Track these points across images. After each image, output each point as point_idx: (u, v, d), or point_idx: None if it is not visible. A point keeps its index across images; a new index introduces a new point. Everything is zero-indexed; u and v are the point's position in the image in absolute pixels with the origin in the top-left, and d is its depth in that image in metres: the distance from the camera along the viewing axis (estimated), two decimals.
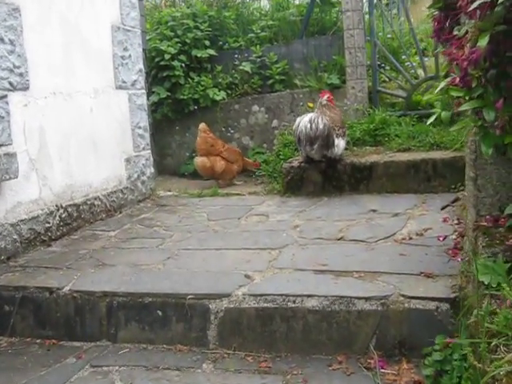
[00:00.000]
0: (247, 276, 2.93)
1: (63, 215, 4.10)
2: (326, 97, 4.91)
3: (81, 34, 4.39)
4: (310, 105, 5.65)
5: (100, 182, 4.59)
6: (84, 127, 4.40)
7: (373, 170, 4.65)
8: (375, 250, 3.23)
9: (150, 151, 5.36)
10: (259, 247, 3.47)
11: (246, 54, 6.67)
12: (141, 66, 5.24)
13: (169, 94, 6.59)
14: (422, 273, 2.73)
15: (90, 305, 2.93)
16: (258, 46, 6.58)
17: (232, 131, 6.64)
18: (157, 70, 6.69)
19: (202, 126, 5.91)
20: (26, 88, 3.76)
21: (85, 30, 4.44)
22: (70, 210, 4.18)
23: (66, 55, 4.21)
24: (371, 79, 5.93)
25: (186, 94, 6.55)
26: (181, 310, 2.76)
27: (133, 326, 2.85)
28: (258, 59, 6.56)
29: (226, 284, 2.84)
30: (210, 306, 2.71)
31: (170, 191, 5.60)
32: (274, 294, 2.65)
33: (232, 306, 2.68)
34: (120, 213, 4.81)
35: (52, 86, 4.04)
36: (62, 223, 4.08)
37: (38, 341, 2.99)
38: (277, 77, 6.47)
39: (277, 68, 6.47)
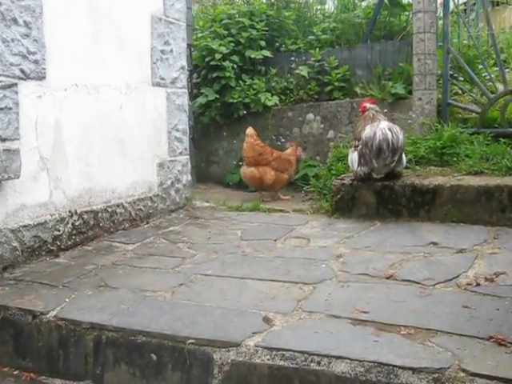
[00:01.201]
0: (266, 319, 2.36)
1: (77, 223, 3.64)
2: (372, 105, 4.28)
3: (114, 23, 3.94)
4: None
5: (125, 187, 4.12)
6: (111, 125, 3.94)
7: (436, 195, 3.98)
8: (432, 297, 2.59)
9: (188, 157, 4.87)
10: (290, 280, 2.89)
11: (304, 58, 6.11)
12: (183, 62, 4.75)
13: (218, 96, 6.11)
14: (491, 337, 2.08)
15: (76, 337, 2.43)
16: (317, 50, 6.01)
17: (283, 140, 6.08)
18: (207, 70, 6.24)
19: (250, 130, 5.36)
20: (41, 77, 3.33)
21: (119, 19, 3.99)
22: (85, 217, 3.71)
23: (95, 44, 3.76)
24: (441, 90, 5.25)
25: (236, 97, 6.05)
26: (179, 357, 2.21)
27: (122, 368, 2.33)
28: (317, 63, 5.99)
29: (237, 328, 2.27)
30: (214, 356, 2.15)
31: (207, 202, 5.09)
32: (295, 351, 2.06)
33: (240, 359, 2.10)
34: (147, 223, 4.33)
35: (74, 78, 3.60)
36: (74, 231, 3.62)
37: (15, 372, 2.55)
38: (336, 83, 5.87)
39: (337, 74, 5.87)
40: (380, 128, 3.99)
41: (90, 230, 3.76)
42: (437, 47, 5.13)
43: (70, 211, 3.58)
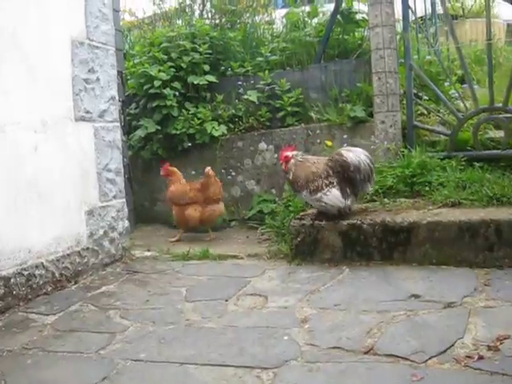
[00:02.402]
0: None
1: None
2: (293, 151, 3.90)
3: (21, 49, 3.30)
4: (329, 143, 4.47)
5: (46, 243, 3.45)
6: (23, 171, 3.28)
7: (412, 233, 3.44)
8: (426, 381, 2.01)
9: (123, 200, 4.21)
10: (244, 363, 2.27)
11: (253, 81, 5.55)
12: (113, 92, 4.12)
13: (159, 127, 5.47)
14: None
15: None
16: (266, 72, 5.46)
17: (234, 173, 5.48)
18: (146, 100, 5.60)
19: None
20: None
21: (28, 44, 3.35)
22: None
23: None
24: (405, 112, 4.75)
25: (180, 128, 5.43)
26: None
27: None
28: (267, 87, 5.43)
29: None
30: None
31: (149, 251, 4.42)
32: None
33: None
34: (75, 283, 3.65)
35: None
36: None
37: None
38: (289, 108, 5.32)
39: (289, 98, 5.33)
40: (360, 151, 3.71)
41: None
42: (398, 64, 4.64)
43: None
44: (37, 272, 3.35)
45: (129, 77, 5.82)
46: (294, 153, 3.87)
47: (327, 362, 2.23)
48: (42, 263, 3.40)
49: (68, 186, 3.65)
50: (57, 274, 3.51)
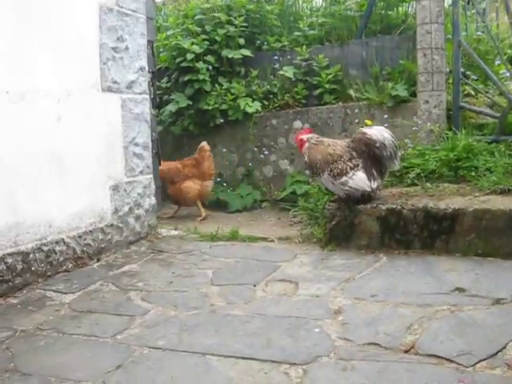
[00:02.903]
0: None
1: None
2: (309, 134, 3.71)
3: (47, 12, 3.12)
4: (369, 122, 4.21)
5: (68, 218, 3.29)
6: (44, 142, 3.12)
7: (456, 221, 3.18)
8: None
9: (151, 176, 4.03)
10: (271, 357, 2.07)
11: (290, 57, 5.31)
12: (143, 63, 3.93)
13: (190, 102, 5.28)
14: None
15: None
16: (304, 47, 5.20)
17: (267, 152, 5.27)
18: (178, 73, 5.41)
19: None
20: None
21: (55, 8, 3.17)
22: (10, 260, 2.88)
23: (17, 39, 2.94)
24: (450, 92, 4.46)
25: (212, 103, 5.23)
26: None
27: None
28: (304, 63, 5.18)
29: None
30: None
31: (176, 229, 4.25)
32: None
33: None
34: (97, 260, 3.50)
35: None
36: None
37: None
38: (326, 85, 5.06)
39: (327, 74, 5.07)
40: (381, 129, 3.52)
41: (17, 276, 2.92)
42: (445, 40, 4.34)
43: None
44: (57, 248, 3.20)
45: (161, 49, 5.64)
46: (310, 135, 3.67)
47: (362, 360, 2.01)
48: (63, 239, 3.24)
49: (92, 159, 3.48)
50: (78, 251, 3.36)
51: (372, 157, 3.42)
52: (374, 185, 3.42)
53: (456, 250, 3.18)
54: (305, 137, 3.67)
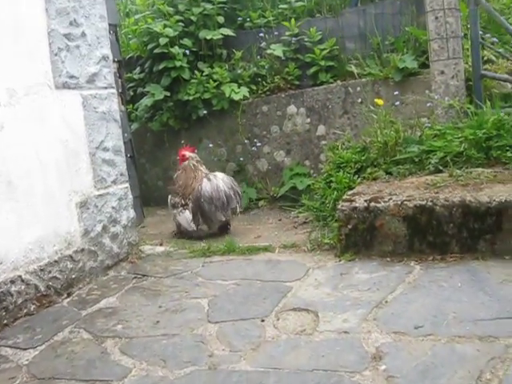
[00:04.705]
0: None
1: None
2: (192, 153, 4.02)
3: None
4: (379, 102, 3.58)
5: (24, 249, 2.66)
6: None
7: (503, 217, 2.58)
8: None
9: (126, 185, 3.40)
10: None
11: (277, 33, 4.68)
12: (105, 51, 3.28)
13: (168, 94, 4.63)
14: None
15: None
16: (293, 21, 4.56)
17: (259, 144, 4.64)
18: (152, 62, 4.75)
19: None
20: None
21: None
22: None
23: None
24: (468, 60, 3.84)
25: (193, 92, 4.60)
26: None
27: None
28: (294, 39, 4.56)
29: None
30: None
31: (162, 245, 3.63)
32: None
33: None
34: (68, 295, 2.88)
35: None
36: None
37: None
38: (322, 63, 4.44)
39: (321, 50, 4.45)
40: (219, 178, 3.86)
41: None
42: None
43: None
44: (13, 289, 2.57)
45: (130, 36, 4.97)
46: (193, 155, 3.97)
47: None
48: (20, 276, 2.61)
49: (50, 173, 2.84)
50: (42, 288, 2.73)
51: (199, 206, 3.81)
52: (196, 227, 3.88)
53: (504, 251, 2.59)
54: (187, 154, 3.94)
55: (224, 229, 3.97)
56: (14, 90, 2.65)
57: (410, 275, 2.56)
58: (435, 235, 2.72)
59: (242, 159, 4.69)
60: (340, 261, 2.90)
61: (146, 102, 4.65)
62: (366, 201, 2.90)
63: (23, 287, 2.62)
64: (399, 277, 2.55)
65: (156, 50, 4.56)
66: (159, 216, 4.71)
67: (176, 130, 4.82)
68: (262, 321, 2.30)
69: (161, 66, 4.60)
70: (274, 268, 2.94)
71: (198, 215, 3.84)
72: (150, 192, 5.09)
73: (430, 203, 2.72)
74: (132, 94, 5.03)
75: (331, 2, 4.74)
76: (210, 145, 4.74)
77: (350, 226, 2.92)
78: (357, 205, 2.90)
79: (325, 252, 3.10)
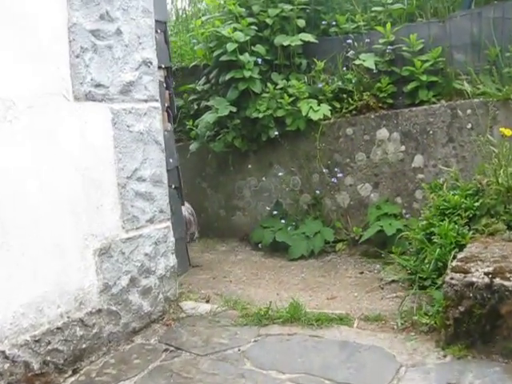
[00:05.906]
0: None
1: None
2: None
3: None
4: (507, 132, 2.68)
5: (11, 315, 1.98)
6: None
7: None
8: None
9: (167, 224, 2.68)
10: None
11: (368, 40, 3.85)
12: (148, 54, 2.58)
13: (234, 109, 3.90)
14: None
15: None
16: (388, 26, 3.73)
17: (340, 174, 3.81)
18: (218, 71, 4.05)
19: None
20: None
21: None
22: None
23: None
24: None
25: (264, 109, 3.84)
26: None
27: None
28: (389, 48, 3.72)
29: None
30: None
31: (208, 301, 2.88)
32: None
33: None
34: (74, 372, 2.20)
35: None
36: None
37: None
38: (423, 77, 3.58)
39: (423, 62, 3.59)
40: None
41: None
42: None
43: None
44: None
45: (195, 41, 4.31)
46: None
47: None
48: (3, 352, 1.93)
49: (58, 210, 2.16)
50: (35, 366, 2.04)
51: None
52: None
53: None
54: None
55: None
56: (11, 101, 1.98)
57: None
58: None
59: (318, 191, 3.88)
60: (445, 356, 2.06)
61: (208, 118, 3.94)
62: (487, 274, 2.03)
63: (6, 366, 1.94)
64: None
65: (223, 58, 3.85)
66: (217, 253, 3.98)
67: (242, 152, 4.09)
68: None
69: (227, 77, 3.87)
70: (351, 359, 2.12)
71: None
72: (210, 222, 4.38)
73: None
74: (196, 107, 4.37)
75: (436, 3, 3.87)
76: (281, 172, 3.97)
77: (461, 309, 2.06)
78: (474, 279, 2.04)
79: (422, 335, 2.28)
